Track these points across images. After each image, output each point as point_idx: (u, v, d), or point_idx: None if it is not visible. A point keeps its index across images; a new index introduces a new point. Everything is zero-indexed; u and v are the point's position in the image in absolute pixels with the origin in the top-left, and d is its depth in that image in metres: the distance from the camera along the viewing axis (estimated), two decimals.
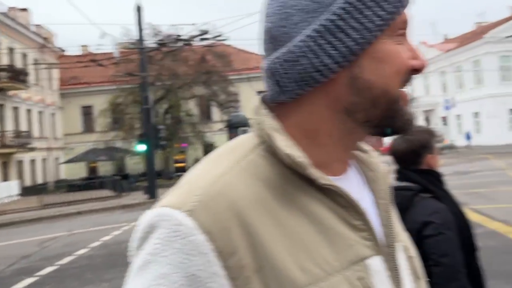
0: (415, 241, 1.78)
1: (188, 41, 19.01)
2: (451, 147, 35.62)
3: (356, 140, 0.71)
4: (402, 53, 0.66)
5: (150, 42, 22.94)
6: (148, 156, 17.99)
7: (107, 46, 27.97)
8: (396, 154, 2.08)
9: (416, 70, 0.67)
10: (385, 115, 0.66)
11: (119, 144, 29.77)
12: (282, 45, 0.66)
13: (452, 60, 41.93)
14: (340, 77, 0.65)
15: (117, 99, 28.99)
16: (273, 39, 0.67)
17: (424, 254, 1.80)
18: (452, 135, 38.97)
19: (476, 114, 39.22)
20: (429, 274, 1.75)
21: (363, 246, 0.65)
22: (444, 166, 21.75)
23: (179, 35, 19.04)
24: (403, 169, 2.06)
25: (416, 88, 48.46)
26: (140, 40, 18.68)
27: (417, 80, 48.09)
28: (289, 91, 0.66)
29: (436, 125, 40.30)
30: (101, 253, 9.00)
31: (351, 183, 0.70)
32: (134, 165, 29.28)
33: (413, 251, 0.77)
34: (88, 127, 34.29)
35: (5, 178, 25.78)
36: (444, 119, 41.46)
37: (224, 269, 0.55)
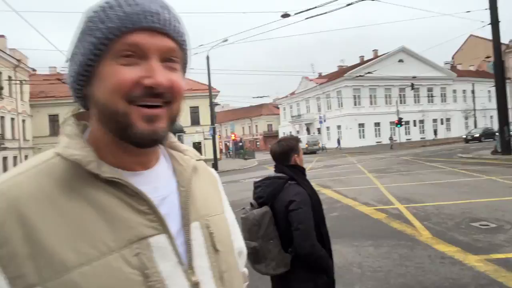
0: (284, 213, 1.91)
1: None
2: (323, 149, 37.88)
3: (126, 147, 0.57)
4: (122, 73, 0.53)
5: None
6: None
7: None
8: (273, 154, 2.09)
9: (149, 87, 0.53)
10: (116, 127, 0.55)
11: None
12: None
13: (324, 90, 44.89)
14: (87, 94, 0.58)
15: (79, 109, 26.47)
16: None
17: (289, 222, 1.87)
18: (324, 141, 41.38)
19: (339, 127, 42.35)
20: (292, 236, 1.88)
21: (146, 227, 0.56)
22: (318, 161, 23.33)
23: None
24: (278, 164, 2.07)
25: (301, 108, 50.56)
26: None
27: (302, 102, 50.49)
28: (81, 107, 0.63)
29: (313, 133, 42.54)
30: None
31: (155, 175, 0.62)
32: None
33: (217, 227, 0.66)
34: (55, 131, 31.54)
35: None
36: (319, 130, 44.12)
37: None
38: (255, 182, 2.10)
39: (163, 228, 0.57)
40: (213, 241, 0.63)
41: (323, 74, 51.36)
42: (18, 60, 29.78)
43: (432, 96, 45.74)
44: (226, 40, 21.17)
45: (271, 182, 2.00)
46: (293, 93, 53.21)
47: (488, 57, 51.91)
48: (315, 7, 9.38)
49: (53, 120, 32.71)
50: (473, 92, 41.20)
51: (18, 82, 28.50)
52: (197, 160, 0.71)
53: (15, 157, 28.60)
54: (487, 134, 31.41)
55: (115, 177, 0.55)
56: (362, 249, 4.85)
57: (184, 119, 34.06)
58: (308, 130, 47.15)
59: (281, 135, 55.72)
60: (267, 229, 1.89)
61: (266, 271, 1.92)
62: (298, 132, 48.61)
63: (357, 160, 21.18)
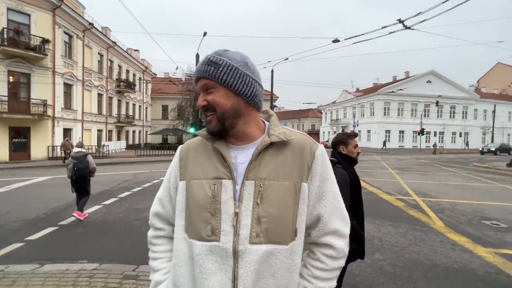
0: None
1: None
2: None
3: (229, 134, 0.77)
4: (199, 99, 0.77)
5: None
6: (195, 135, 17.71)
7: (179, 74, 27.18)
8: (331, 144, 2.04)
9: (202, 106, 0.75)
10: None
11: (180, 127, 29.39)
12: None
13: (359, 101, 41.77)
14: None
15: (181, 103, 28.51)
16: None
17: None
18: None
19: (368, 131, 39.25)
20: None
21: (224, 174, 0.72)
22: None
23: None
24: (333, 150, 1.97)
25: (340, 114, 48.00)
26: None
27: (340, 110, 47.87)
28: None
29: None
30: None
31: (243, 149, 0.75)
32: (188, 139, 29.44)
33: (271, 189, 0.70)
34: (165, 116, 34.27)
35: (119, 139, 25.65)
36: (353, 131, 41.13)
37: (178, 161, 0.83)
38: None
39: (231, 176, 0.72)
40: (259, 195, 0.69)
41: (360, 89, 48.03)
42: (146, 67, 32.86)
43: (454, 113, 39.98)
44: (287, 59, 20.75)
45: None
46: (334, 102, 50.64)
47: None
48: (362, 34, 8.66)
49: (164, 109, 35.52)
50: (493, 111, 35.01)
51: (145, 81, 31.56)
52: (279, 140, 0.74)
53: (139, 132, 31.95)
54: (503, 149, 26.68)
55: (217, 147, 0.75)
56: (382, 227, 4.50)
57: None
58: (343, 131, 44.34)
59: (321, 133, 53.79)
60: None
61: None
62: (335, 132, 46.38)
63: (381, 159, 19.61)
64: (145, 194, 6.92)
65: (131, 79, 28.80)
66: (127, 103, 28.26)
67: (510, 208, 5.78)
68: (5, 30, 14.20)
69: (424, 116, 35.98)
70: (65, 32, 17.97)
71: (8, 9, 14.65)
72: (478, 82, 51.55)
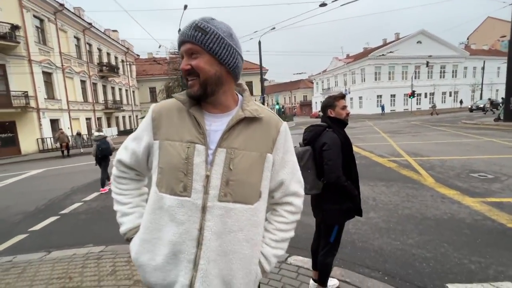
0: (320, 152, 1.83)
1: None
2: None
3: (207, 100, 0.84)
4: (182, 63, 0.80)
5: None
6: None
7: (162, 53, 26.02)
8: (320, 108, 2.03)
9: (185, 70, 0.79)
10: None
11: None
12: None
13: (350, 68, 41.16)
14: None
15: (169, 83, 27.65)
16: None
17: (322, 159, 1.81)
18: (348, 108, 38.73)
19: (360, 98, 39.19)
20: (323, 170, 1.82)
21: (198, 139, 0.79)
22: None
23: None
24: (322, 116, 1.98)
25: (331, 82, 47.43)
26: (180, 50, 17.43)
27: (332, 78, 47.17)
28: None
29: None
30: None
31: (218, 118, 0.83)
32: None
33: (240, 157, 0.79)
34: (153, 99, 33.40)
35: (109, 126, 25.11)
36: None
37: (151, 121, 0.87)
38: (305, 129, 2.04)
39: (204, 142, 0.79)
40: (229, 161, 0.78)
41: (350, 55, 47.03)
42: (127, 48, 31.19)
43: (444, 72, 39.90)
44: (273, 28, 19.98)
45: (313, 128, 1.94)
46: (324, 71, 49.81)
47: (503, 36, 43.25)
48: None
49: (152, 91, 34.47)
50: (483, 68, 35.02)
51: (128, 63, 30.15)
52: (251, 116, 0.82)
53: (129, 117, 31.19)
54: (491, 105, 27.12)
55: (193, 113, 0.81)
56: (376, 188, 4.67)
57: None
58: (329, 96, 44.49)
59: (313, 104, 53.56)
60: (307, 161, 1.87)
61: (304, 192, 1.92)
62: None
63: (373, 124, 19.80)
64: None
65: (113, 62, 27.50)
66: (113, 88, 27.29)
67: (496, 160, 6.02)
68: None
69: (415, 78, 35.91)
70: (35, 16, 16.71)
71: None
72: (467, 39, 50.90)
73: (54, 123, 17.64)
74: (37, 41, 16.78)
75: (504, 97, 13.88)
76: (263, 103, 24.75)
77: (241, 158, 0.79)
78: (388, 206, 3.83)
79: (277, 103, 40.21)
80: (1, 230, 4.00)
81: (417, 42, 36.94)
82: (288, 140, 0.88)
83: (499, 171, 5.11)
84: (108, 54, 27.06)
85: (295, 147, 2.06)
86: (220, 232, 0.77)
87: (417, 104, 37.47)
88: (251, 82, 34.66)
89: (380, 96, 37.51)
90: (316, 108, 49.42)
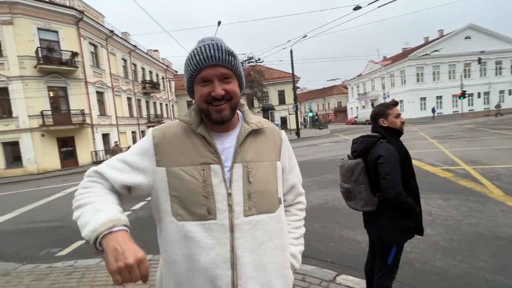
0: (374, 165, 1.68)
1: (242, 63, 18.35)
2: None
3: (212, 122, 0.81)
4: (201, 90, 0.77)
5: None
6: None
7: None
8: (370, 117, 1.89)
9: (215, 96, 0.76)
10: (205, 115, 0.80)
11: None
12: None
13: (388, 70, 38.90)
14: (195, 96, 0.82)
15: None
16: None
17: (378, 172, 1.67)
18: None
19: (401, 101, 36.39)
20: (378, 185, 1.66)
21: (211, 159, 0.78)
22: None
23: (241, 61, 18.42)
24: (373, 125, 1.83)
25: (367, 87, 45.35)
26: None
27: (368, 82, 45.05)
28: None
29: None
30: None
31: (226, 136, 0.82)
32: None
33: (256, 169, 0.80)
34: None
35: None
36: None
37: (153, 147, 0.82)
38: (353, 140, 1.90)
39: (219, 161, 0.78)
40: (248, 175, 0.78)
41: (387, 57, 44.59)
42: (167, 66, 33.72)
43: (500, 69, 35.51)
44: (305, 36, 19.84)
45: (365, 139, 1.79)
46: (359, 75, 47.79)
47: None
48: None
49: (189, 104, 36.62)
50: None
51: (168, 80, 32.54)
52: (256, 128, 0.84)
53: None
54: None
55: (202, 133, 0.80)
56: (430, 201, 4.19)
57: (273, 100, 34.22)
58: (372, 105, 41.97)
59: (349, 110, 51.49)
60: (359, 175, 1.73)
61: (355, 207, 1.78)
62: (363, 107, 44.05)
63: (418, 129, 18.21)
64: None
65: (154, 79, 29.86)
66: (155, 103, 29.49)
67: None
68: (39, 49, 15.34)
69: (465, 77, 32.58)
70: (90, 43, 18.93)
71: (38, 29, 15.73)
72: None
73: (105, 137, 19.51)
74: (92, 64, 18.93)
75: None
76: (296, 111, 24.57)
77: (257, 170, 0.80)
78: (448, 222, 3.40)
79: (311, 111, 39.55)
80: (64, 235, 4.42)
81: (466, 38, 33.65)
82: (289, 146, 0.94)
83: None
84: (151, 72, 29.52)
85: (342, 159, 1.95)
86: (252, 247, 0.77)
87: (468, 105, 33.87)
88: (283, 91, 34.80)
89: (424, 98, 34.67)
90: (352, 114, 47.41)
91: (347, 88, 54.61)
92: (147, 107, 27.61)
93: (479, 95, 34.92)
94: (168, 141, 0.81)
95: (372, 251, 1.93)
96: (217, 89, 0.75)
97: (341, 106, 58.27)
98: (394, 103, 1.81)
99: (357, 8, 12.62)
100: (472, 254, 2.63)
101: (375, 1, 8.37)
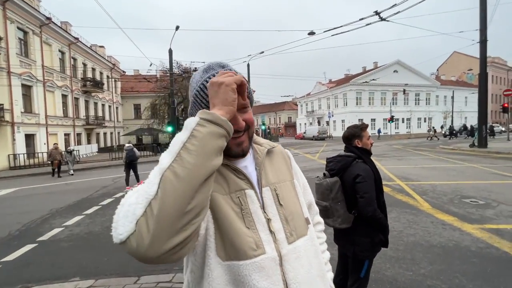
0: (351, 184, 1.78)
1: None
2: (330, 137, 36.84)
3: (230, 157, 0.71)
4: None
5: (176, 70, 21.72)
6: (173, 133, 17.13)
7: (152, 71, 26.05)
8: (343, 137, 1.98)
9: (237, 129, 0.67)
10: (225, 153, 0.66)
11: (155, 126, 28.39)
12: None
13: (333, 92, 43.12)
14: None
15: (155, 101, 27.55)
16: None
17: (355, 192, 1.76)
18: (331, 131, 40.20)
19: (343, 121, 40.60)
20: (357, 203, 1.77)
21: (244, 185, 0.70)
22: (327, 146, 22.70)
23: (195, 68, 17.89)
24: (347, 145, 1.96)
25: (315, 105, 49.03)
26: (171, 69, 17.53)
27: (315, 101, 48.87)
28: None
29: (323, 125, 41.29)
30: None
31: (245, 160, 0.74)
32: (164, 139, 28.28)
33: (282, 190, 0.75)
34: (137, 116, 32.82)
35: (89, 143, 24.03)
36: (327, 122, 42.75)
37: None
38: (328, 158, 1.99)
39: (251, 186, 0.71)
40: (278, 198, 0.73)
41: (332, 80, 49.42)
42: (113, 64, 30.94)
43: (419, 100, 42.79)
44: (262, 52, 20.73)
45: (342, 158, 1.89)
46: (308, 94, 51.71)
47: (469, 70, 47.43)
48: (340, 26, 8.81)
49: (137, 108, 34.02)
50: (452, 97, 38.03)
51: (114, 79, 29.85)
52: (269, 148, 0.81)
53: (111, 133, 30.19)
54: (463, 131, 29.08)
55: (226, 163, 0.69)
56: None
57: None
58: (319, 122, 45.76)
59: (298, 125, 54.75)
60: (336, 193, 1.81)
61: (333, 225, 1.85)
62: (311, 124, 47.43)
63: None
64: None
65: (98, 77, 27.01)
66: (96, 104, 26.53)
67: (482, 185, 6.29)
68: None
69: (393, 104, 38.05)
70: (18, 28, 16.25)
71: None
72: (437, 70, 55.46)
73: (29, 138, 16.61)
74: (19, 53, 16.20)
75: (475, 124, 14.91)
76: None
77: (283, 191, 0.76)
78: (392, 233, 3.78)
79: (263, 124, 40.72)
80: None
81: (394, 71, 39.65)
82: (296, 163, 0.90)
83: (488, 197, 5.31)
84: (93, 69, 26.61)
85: (317, 177, 2.03)
86: (303, 279, 0.69)
87: (395, 128, 39.46)
88: None
89: (362, 119, 39.14)
90: (301, 129, 50.51)
91: (297, 105, 58.25)
92: (86, 108, 24.66)
93: (403, 120, 41.14)
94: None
95: (341, 265, 2.02)
96: (240, 123, 0.66)
97: (291, 121, 61.61)
98: (366, 126, 1.98)
99: (311, 33, 13.78)
100: (415, 262, 2.97)
101: (329, 30, 9.28)
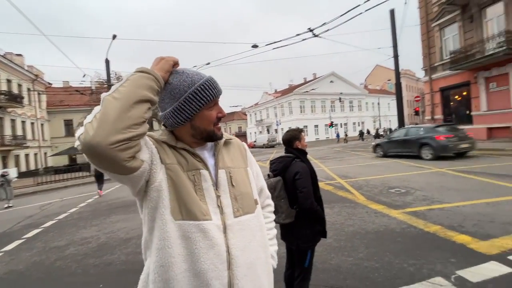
0: (292, 181, 1.97)
1: None
2: (279, 144, 38.35)
3: (199, 141, 0.90)
4: (212, 114, 0.87)
5: (115, 82, 20.07)
6: None
7: (86, 82, 23.44)
8: (283, 140, 2.16)
9: (221, 117, 0.90)
10: (207, 136, 0.88)
11: None
12: (164, 110, 0.88)
13: (279, 101, 45.46)
14: (187, 124, 0.87)
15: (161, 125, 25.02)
16: (161, 107, 0.89)
17: (296, 188, 1.93)
18: (280, 138, 41.92)
19: (289, 128, 42.57)
20: (297, 197, 1.96)
21: (199, 165, 0.86)
22: (277, 153, 23.62)
23: None
24: (286, 147, 2.14)
25: (263, 114, 50.77)
26: (108, 80, 16.19)
27: (263, 110, 50.75)
28: (169, 127, 0.90)
29: (272, 133, 42.95)
30: (88, 210, 7.52)
31: (205, 147, 0.92)
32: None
33: (236, 174, 0.91)
34: (69, 133, 28.96)
35: (4, 166, 20.16)
36: (276, 130, 44.63)
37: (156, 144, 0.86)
38: (271, 160, 2.16)
39: (206, 167, 0.86)
40: (231, 180, 0.89)
41: (278, 90, 52.12)
42: (36, 75, 26.97)
43: (352, 107, 48.18)
44: (208, 63, 20.82)
45: (283, 159, 2.08)
46: (257, 104, 53.45)
47: (389, 80, 55.39)
48: (280, 40, 9.52)
49: (68, 124, 30.18)
50: (378, 104, 44.04)
51: (37, 92, 25.91)
52: (227, 139, 0.98)
53: (35, 154, 26.01)
54: (388, 131, 33.68)
55: (183, 147, 0.87)
56: None
57: None
58: (268, 130, 47.53)
59: (248, 134, 55.75)
60: (280, 191, 1.97)
61: (278, 221, 2.00)
62: (261, 132, 48.88)
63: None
64: (63, 228, 5.75)
65: (15, 90, 23.16)
66: (13, 121, 22.63)
67: (404, 177, 7.43)
68: None
69: (332, 111, 41.99)
70: None
71: None
72: (365, 80, 63.56)
73: None
74: None
75: (397, 127, 17.47)
76: None
77: (237, 175, 0.91)
78: (335, 225, 4.21)
79: None
80: None
81: (330, 81, 43.98)
82: (251, 154, 1.08)
83: (408, 186, 6.30)
84: (9, 81, 22.74)
85: (265, 178, 2.17)
86: (243, 246, 0.84)
87: (334, 132, 43.49)
88: None
89: (306, 126, 42.06)
90: (251, 138, 51.51)
91: (246, 115, 59.44)
92: (1, 126, 20.84)
93: (341, 125, 45.63)
94: (161, 147, 0.86)
95: (290, 259, 2.18)
96: (224, 112, 0.91)
97: (241, 131, 62.40)
98: (302, 130, 2.23)
99: (255, 46, 14.45)
100: (354, 249, 3.35)
101: (269, 44, 9.94)
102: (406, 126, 13.04)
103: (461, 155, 9.78)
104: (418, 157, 10.31)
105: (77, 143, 0.69)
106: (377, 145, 12.97)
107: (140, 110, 0.71)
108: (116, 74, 22.90)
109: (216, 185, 0.86)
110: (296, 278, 2.00)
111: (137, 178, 0.77)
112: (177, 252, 0.77)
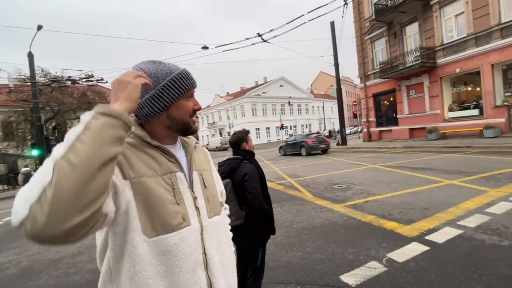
0: (241, 183, 1.98)
1: (76, 81, 14.96)
2: None
3: (175, 135, 0.88)
4: (189, 104, 0.85)
5: (41, 79, 17.41)
6: (41, 159, 13.61)
7: (2, 79, 19.82)
8: (230, 142, 2.17)
9: (197, 110, 0.88)
10: (183, 128, 0.86)
11: (11, 151, 21.59)
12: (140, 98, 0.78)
13: (231, 104, 45.57)
14: (163, 114, 0.83)
15: (9, 118, 21.05)
16: None
17: (245, 189, 1.96)
18: None
19: None
20: (246, 198, 1.98)
21: (174, 167, 0.82)
22: (230, 155, 23.47)
23: (69, 76, 14.76)
24: (234, 149, 2.15)
25: (215, 117, 50.19)
26: (33, 77, 13.99)
27: (216, 113, 50.18)
28: (142, 118, 0.83)
29: (224, 136, 42.74)
30: (5, 230, 6.37)
31: (175, 147, 0.89)
32: (26, 165, 21.94)
33: (206, 176, 0.91)
34: None
35: None
36: (229, 133, 44.44)
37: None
38: (219, 163, 2.14)
39: (181, 169, 0.84)
40: (203, 181, 0.89)
41: (230, 93, 52.23)
42: None
43: (300, 110, 51.14)
44: None
45: (231, 161, 2.07)
46: (208, 106, 52.57)
47: (331, 86, 60.31)
48: (230, 43, 9.54)
49: (7, 125, 25.02)
50: (323, 107, 47.73)
51: None
52: (196, 142, 0.99)
53: None
54: (332, 132, 36.84)
55: (159, 145, 0.82)
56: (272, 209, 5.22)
57: None
58: (220, 133, 47.17)
59: (200, 137, 54.34)
60: (229, 194, 1.97)
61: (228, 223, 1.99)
62: (213, 135, 48.19)
63: (257, 153, 22.11)
64: None
65: None
66: None
67: (346, 173, 8.17)
68: None
69: (282, 113, 43.87)
70: None
71: None
72: (311, 85, 68.23)
73: None
74: None
75: (338, 128, 19.17)
76: None
77: (207, 177, 0.92)
78: (285, 223, 4.38)
79: None
80: None
81: (280, 86, 45.93)
82: (211, 159, 1.10)
83: (349, 182, 6.94)
84: None
85: None
86: (216, 246, 0.85)
87: (285, 134, 45.54)
88: None
89: (259, 128, 43.02)
90: (203, 141, 50.40)
91: (197, 117, 57.91)
92: None
93: (291, 127, 47.98)
94: (128, 153, 0.75)
95: (240, 260, 2.18)
96: (199, 104, 0.88)
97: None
98: (248, 131, 2.26)
99: (205, 47, 14.21)
100: (302, 244, 3.53)
101: (219, 46, 9.90)
102: (293, 135, 17.06)
103: (324, 151, 15.41)
104: (300, 154, 15.49)
105: (19, 231, 0.52)
106: (280, 147, 17.67)
107: (105, 175, 0.56)
108: (43, 71, 19.86)
109: (191, 186, 0.85)
110: (249, 277, 2.01)
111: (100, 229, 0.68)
112: (153, 272, 0.71)
